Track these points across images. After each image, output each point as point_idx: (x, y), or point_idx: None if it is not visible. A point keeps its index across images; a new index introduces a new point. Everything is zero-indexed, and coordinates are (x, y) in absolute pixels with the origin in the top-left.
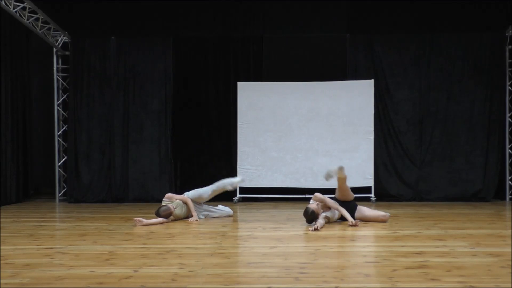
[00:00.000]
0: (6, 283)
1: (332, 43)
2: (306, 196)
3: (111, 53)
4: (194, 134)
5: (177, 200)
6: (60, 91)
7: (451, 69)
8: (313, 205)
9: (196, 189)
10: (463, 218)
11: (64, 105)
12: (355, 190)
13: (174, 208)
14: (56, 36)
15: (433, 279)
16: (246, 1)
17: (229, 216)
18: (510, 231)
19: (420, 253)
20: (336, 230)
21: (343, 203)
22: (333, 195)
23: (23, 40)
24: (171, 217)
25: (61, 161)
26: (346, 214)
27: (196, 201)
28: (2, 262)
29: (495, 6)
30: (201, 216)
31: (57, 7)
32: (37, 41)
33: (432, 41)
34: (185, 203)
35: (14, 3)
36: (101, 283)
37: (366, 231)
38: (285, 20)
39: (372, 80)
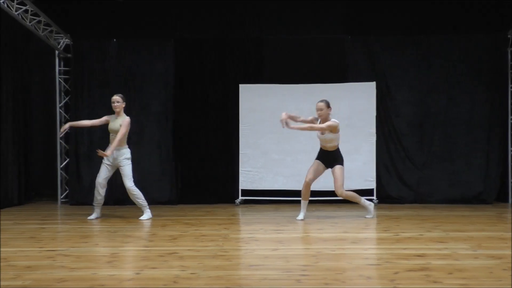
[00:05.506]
0: (8, 285)
1: (333, 45)
2: None
3: (112, 55)
4: (195, 136)
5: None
6: (62, 93)
7: (451, 71)
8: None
9: (129, 170)
10: (465, 221)
11: (66, 107)
12: (357, 192)
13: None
14: (58, 38)
15: (435, 282)
16: (247, 3)
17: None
18: (511, 233)
19: (421, 256)
20: (337, 233)
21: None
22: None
23: (25, 43)
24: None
25: (63, 163)
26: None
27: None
28: (4, 264)
29: (497, 7)
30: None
31: (59, 10)
32: (39, 44)
33: (432, 43)
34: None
35: (17, 5)
36: (102, 285)
37: (367, 233)
38: (286, 22)
39: (374, 83)
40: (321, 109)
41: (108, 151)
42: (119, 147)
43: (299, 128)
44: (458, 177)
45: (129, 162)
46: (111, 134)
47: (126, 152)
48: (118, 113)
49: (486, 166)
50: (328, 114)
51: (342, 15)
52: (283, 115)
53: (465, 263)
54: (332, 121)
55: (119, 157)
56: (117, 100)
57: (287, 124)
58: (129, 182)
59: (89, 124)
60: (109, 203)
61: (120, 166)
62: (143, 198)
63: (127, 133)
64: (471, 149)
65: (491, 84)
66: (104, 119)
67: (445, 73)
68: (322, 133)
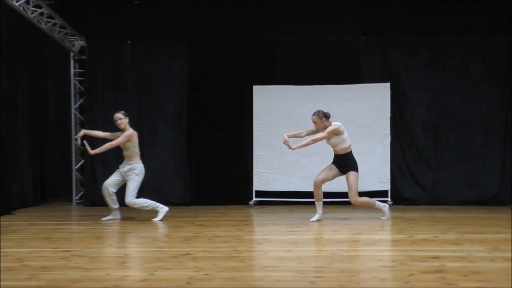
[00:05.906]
0: (23, 285)
1: (347, 46)
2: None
3: (126, 57)
4: (209, 137)
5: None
6: (77, 95)
7: (466, 72)
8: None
9: (133, 186)
10: (480, 222)
11: (81, 109)
12: (371, 194)
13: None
14: (72, 40)
15: (450, 284)
16: (260, 4)
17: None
18: (511, 234)
19: (436, 258)
20: (351, 234)
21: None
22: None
23: (40, 45)
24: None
25: (78, 165)
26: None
27: (127, 157)
28: (19, 264)
29: None
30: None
31: (73, 13)
32: (54, 46)
33: (447, 44)
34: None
35: (32, 8)
36: (116, 286)
37: (382, 235)
38: (300, 23)
39: (388, 84)
40: (314, 122)
41: (94, 150)
42: (130, 161)
43: (302, 146)
44: (474, 178)
45: (137, 178)
46: (123, 150)
47: (138, 167)
48: (124, 129)
49: (502, 167)
50: (325, 123)
51: (357, 16)
52: (284, 138)
53: (481, 266)
54: (333, 125)
55: (129, 171)
56: (119, 117)
57: (289, 146)
58: (127, 198)
59: (101, 136)
60: (123, 204)
61: (127, 180)
62: (148, 202)
63: (131, 144)
64: (486, 150)
65: (506, 85)
66: (115, 134)
67: (460, 74)
68: (328, 139)
